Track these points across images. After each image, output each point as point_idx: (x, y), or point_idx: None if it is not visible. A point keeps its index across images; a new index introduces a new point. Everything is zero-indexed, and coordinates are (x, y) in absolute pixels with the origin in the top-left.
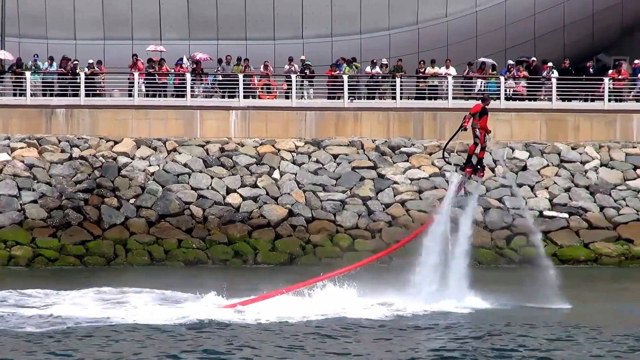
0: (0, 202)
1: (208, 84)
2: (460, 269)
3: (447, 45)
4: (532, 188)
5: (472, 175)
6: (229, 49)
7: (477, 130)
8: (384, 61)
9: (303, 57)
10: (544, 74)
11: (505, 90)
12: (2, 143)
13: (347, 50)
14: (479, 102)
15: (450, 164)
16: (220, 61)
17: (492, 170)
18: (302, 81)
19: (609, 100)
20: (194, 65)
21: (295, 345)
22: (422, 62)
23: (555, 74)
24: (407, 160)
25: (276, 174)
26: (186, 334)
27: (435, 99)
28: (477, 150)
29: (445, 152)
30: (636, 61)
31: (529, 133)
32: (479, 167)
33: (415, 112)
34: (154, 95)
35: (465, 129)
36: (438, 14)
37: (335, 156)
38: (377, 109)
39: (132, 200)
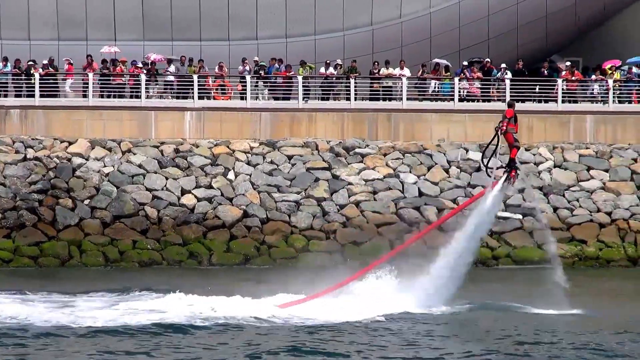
0: None
1: (162, 83)
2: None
3: (401, 46)
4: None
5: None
6: (184, 50)
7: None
8: (339, 62)
9: (257, 58)
10: (497, 74)
11: (459, 91)
12: None
13: (302, 51)
14: (509, 107)
15: (491, 169)
16: (169, 62)
17: (447, 171)
18: (257, 82)
19: (563, 102)
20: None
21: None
22: (376, 63)
23: (509, 75)
24: (362, 161)
25: (231, 175)
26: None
27: (390, 99)
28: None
29: (484, 159)
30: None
31: (482, 134)
32: (509, 168)
33: (370, 113)
34: (108, 96)
35: (504, 132)
36: (392, 15)
37: (289, 157)
38: (331, 109)
39: (86, 201)
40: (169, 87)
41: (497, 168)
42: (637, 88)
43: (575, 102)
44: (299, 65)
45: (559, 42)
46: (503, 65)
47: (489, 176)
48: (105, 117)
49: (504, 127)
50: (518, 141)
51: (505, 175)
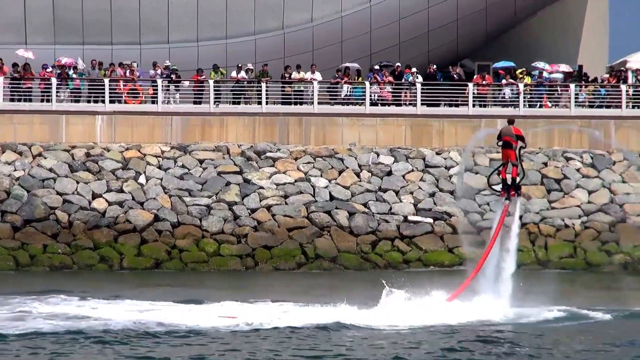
0: None
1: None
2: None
3: (313, 50)
4: (397, 193)
5: (512, 196)
6: (95, 54)
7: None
8: (250, 66)
9: (168, 62)
10: (409, 79)
11: (371, 96)
12: None
13: (213, 55)
14: (510, 124)
15: (498, 192)
16: (75, 68)
17: (358, 175)
18: (168, 86)
19: (474, 106)
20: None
21: None
22: (287, 67)
23: (420, 79)
24: (273, 165)
25: (142, 179)
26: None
27: (301, 103)
28: (510, 170)
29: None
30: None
31: (393, 138)
32: (511, 186)
33: (281, 117)
34: (19, 100)
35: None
36: (303, 19)
37: (201, 161)
38: (242, 113)
39: None
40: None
41: (502, 188)
42: (547, 92)
43: (486, 106)
44: (211, 69)
45: (470, 47)
46: (414, 69)
47: (495, 192)
48: (15, 121)
49: (516, 144)
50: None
51: (514, 195)
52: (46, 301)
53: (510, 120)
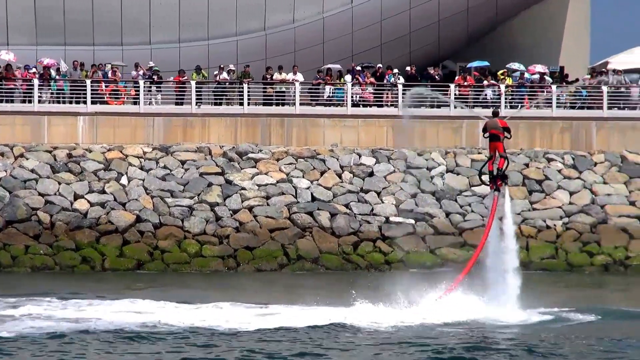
0: None
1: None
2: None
3: (295, 51)
4: (378, 194)
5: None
6: (77, 55)
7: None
8: (232, 67)
9: (151, 63)
10: (391, 80)
11: (352, 97)
12: None
13: (195, 56)
14: (494, 117)
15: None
16: (58, 70)
17: (339, 176)
18: (150, 87)
19: (455, 107)
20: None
21: None
22: (269, 68)
23: (402, 80)
24: (255, 166)
25: (124, 180)
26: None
27: (283, 104)
28: (497, 161)
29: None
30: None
31: (375, 139)
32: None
33: (263, 118)
34: (0, 101)
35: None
36: (285, 20)
37: (183, 162)
38: (224, 115)
39: None
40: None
41: (490, 181)
42: (529, 93)
43: (468, 107)
44: (192, 70)
45: (451, 48)
46: (395, 70)
47: (486, 184)
48: None
49: (503, 136)
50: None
51: (501, 184)
52: (28, 303)
53: (495, 113)
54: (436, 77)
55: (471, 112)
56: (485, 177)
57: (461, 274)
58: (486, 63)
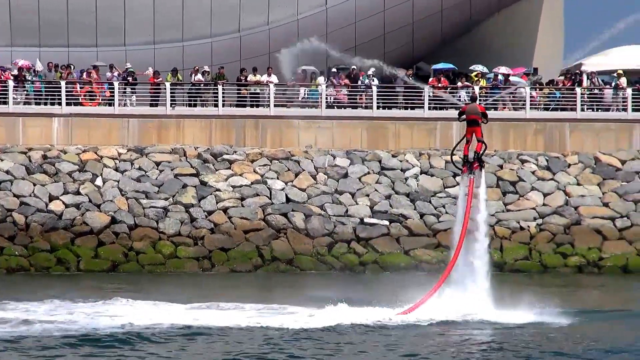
0: None
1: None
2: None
3: (269, 52)
4: (353, 195)
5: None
6: (52, 56)
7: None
8: (206, 69)
9: (128, 65)
10: (366, 81)
11: (327, 98)
12: None
13: (170, 58)
14: (473, 102)
15: (460, 168)
16: (35, 71)
17: (314, 177)
18: (125, 88)
19: (429, 108)
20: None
21: None
22: (244, 70)
23: (376, 81)
24: (230, 168)
25: (99, 181)
26: None
27: (257, 106)
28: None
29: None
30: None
31: (350, 140)
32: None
33: (238, 120)
34: None
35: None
36: (260, 22)
37: (157, 163)
38: (199, 116)
39: None
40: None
41: (464, 164)
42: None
43: (442, 108)
44: (168, 71)
45: (425, 50)
46: (370, 71)
47: (458, 168)
48: None
49: (481, 120)
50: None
51: (478, 168)
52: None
53: (473, 98)
54: (406, 78)
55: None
56: (457, 159)
57: (439, 282)
58: (451, 65)
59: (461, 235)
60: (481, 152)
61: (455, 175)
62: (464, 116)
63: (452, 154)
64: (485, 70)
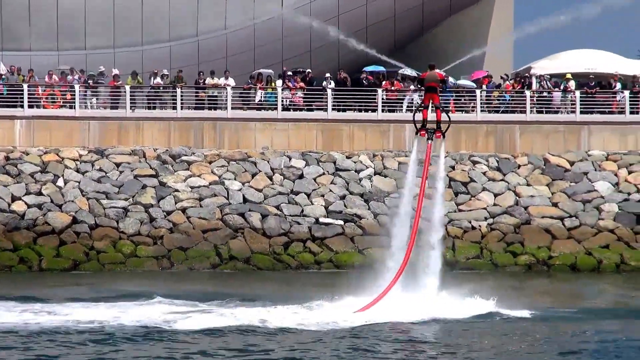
0: None
1: None
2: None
3: (226, 56)
4: (308, 195)
5: (433, 136)
6: (14, 60)
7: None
8: (165, 72)
9: (102, 68)
10: (323, 83)
11: (282, 101)
12: None
13: (129, 61)
14: (432, 70)
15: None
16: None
17: (270, 178)
18: (86, 91)
19: (383, 111)
20: None
21: None
22: (201, 73)
23: (332, 84)
24: (188, 169)
25: (60, 182)
26: None
27: (215, 109)
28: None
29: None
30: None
31: (305, 142)
32: (437, 128)
33: (196, 122)
34: None
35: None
36: (217, 26)
37: (118, 164)
38: (158, 118)
39: None
40: None
41: (422, 127)
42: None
43: (395, 111)
44: (128, 74)
45: (378, 54)
46: (327, 74)
47: (416, 128)
48: None
49: (439, 87)
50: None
51: (439, 137)
52: None
53: (431, 66)
54: (364, 81)
55: (411, 72)
56: (417, 122)
57: (394, 279)
58: (381, 68)
59: (416, 218)
60: (446, 128)
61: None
62: (424, 83)
63: (414, 115)
64: (414, 74)
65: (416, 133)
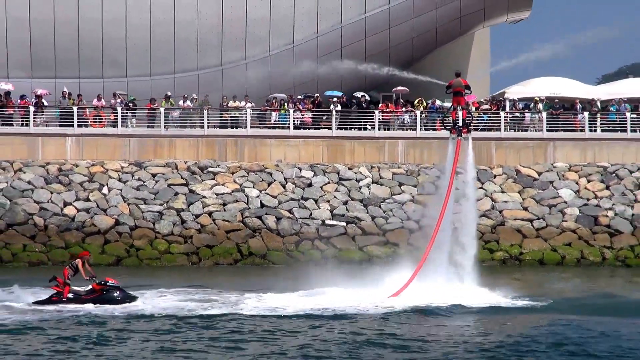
0: None
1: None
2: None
3: (246, 83)
4: (316, 201)
5: (463, 134)
6: (65, 86)
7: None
8: (194, 96)
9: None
10: (330, 106)
11: (294, 120)
12: None
13: (164, 87)
14: (458, 77)
15: (450, 130)
16: (39, 98)
17: (284, 186)
18: (127, 113)
19: (379, 129)
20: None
21: None
22: (225, 97)
23: (339, 107)
24: (214, 179)
25: (105, 190)
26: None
27: (237, 127)
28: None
29: (447, 122)
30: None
31: (313, 156)
32: (463, 126)
33: (220, 139)
34: (2, 124)
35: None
36: (237, 57)
37: (154, 175)
38: (188, 135)
39: None
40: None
41: (453, 127)
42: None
43: (389, 129)
44: (162, 98)
45: (375, 81)
46: (335, 98)
47: (448, 130)
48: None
49: (464, 92)
50: (468, 104)
51: (466, 131)
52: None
53: (457, 73)
54: (363, 103)
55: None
56: (448, 124)
57: (420, 263)
58: (339, 93)
59: (445, 202)
60: (468, 119)
61: (400, 184)
62: (451, 89)
63: (443, 119)
64: (367, 97)
65: (449, 131)
